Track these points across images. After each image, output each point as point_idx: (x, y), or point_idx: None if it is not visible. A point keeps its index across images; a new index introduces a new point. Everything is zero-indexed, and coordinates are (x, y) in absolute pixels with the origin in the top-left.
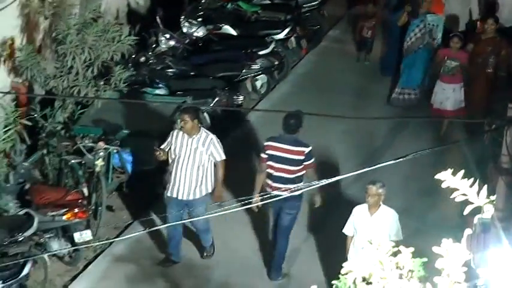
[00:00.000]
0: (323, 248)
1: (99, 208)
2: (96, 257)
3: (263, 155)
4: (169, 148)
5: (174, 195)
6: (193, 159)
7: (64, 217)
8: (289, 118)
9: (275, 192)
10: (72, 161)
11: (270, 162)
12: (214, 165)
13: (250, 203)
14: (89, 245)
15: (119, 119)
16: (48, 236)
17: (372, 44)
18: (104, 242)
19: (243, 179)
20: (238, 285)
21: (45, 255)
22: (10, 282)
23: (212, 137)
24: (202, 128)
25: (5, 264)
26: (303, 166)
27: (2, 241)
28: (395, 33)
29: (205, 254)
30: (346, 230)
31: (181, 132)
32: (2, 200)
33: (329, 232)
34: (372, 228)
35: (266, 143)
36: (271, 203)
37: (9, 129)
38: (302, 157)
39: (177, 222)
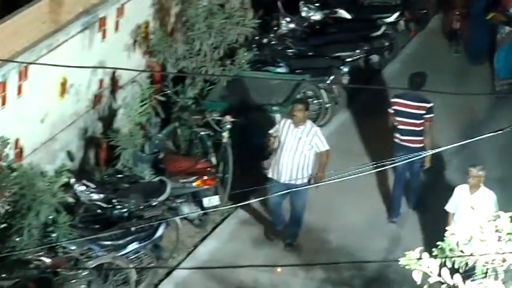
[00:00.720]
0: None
1: (226, 176)
2: (223, 220)
3: (390, 110)
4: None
5: (275, 178)
6: (296, 147)
7: (194, 184)
8: (414, 77)
9: (403, 144)
10: (202, 133)
11: (396, 117)
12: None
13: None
14: (216, 209)
15: (243, 95)
16: (180, 201)
17: (462, 35)
18: (230, 206)
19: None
20: (352, 247)
21: (177, 219)
22: (145, 242)
23: (316, 129)
24: (308, 120)
25: (141, 226)
26: (424, 120)
27: (138, 205)
28: (485, 25)
29: (286, 246)
30: (448, 207)
31: (288, 121)
32: (138, 168)
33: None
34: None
35: (392, 100)
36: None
37: (145, 104)
38: (424, 111)
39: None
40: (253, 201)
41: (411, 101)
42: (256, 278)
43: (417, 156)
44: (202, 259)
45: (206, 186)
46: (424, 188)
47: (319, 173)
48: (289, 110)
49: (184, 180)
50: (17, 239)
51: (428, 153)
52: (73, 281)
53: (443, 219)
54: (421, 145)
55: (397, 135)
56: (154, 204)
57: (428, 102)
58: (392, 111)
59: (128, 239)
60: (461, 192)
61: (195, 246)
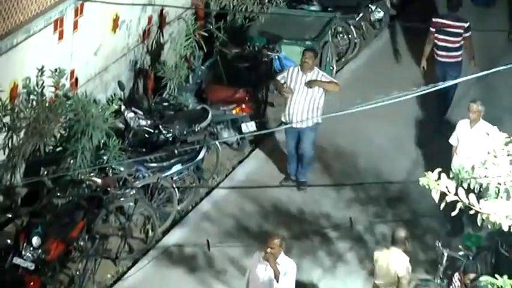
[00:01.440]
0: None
1: (264, 104)
2: (259, 144)
3: (431, 29)
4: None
5: (288, 121)
6: (306, 93)
7: (233, 111)
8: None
9: (441, 60)
10: (241, 65)
11: (436, 35)
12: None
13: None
14: (253, 134)
15: (280, 31)
16: (220, 127)
17: None
18: (265, 132)
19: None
20: (377, 169)
21: (217, 143)
22: (188, 164)
23: (323, 73)
24: (315, 67)
25: (184, 149)
26: (462, 38)
27: (182, 131)
28: None
29: (301, 187)
30: (451, 140)
31: (296, 69)
32: (182, 97)
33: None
34: (471, 139)
35: (434, 20)
36: (436, 68)
37: (189, 39)
38: (462, 30)
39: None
40: (284, 127)
41: (451, 20)
42: (289, 198)
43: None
44: (239, 180)
45: (244, 114)
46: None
47: (324, 84)
48: (301, 58)
49: (224, 108)
50: (71, 161)
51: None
52: (121, 199)
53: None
54: (458, 59)
55: (438, 52)
56: (196, 129)
57: (466, 22)
58: (433, 30)
59: (172, 161)
60: (462, 126)
61: (233, 168)
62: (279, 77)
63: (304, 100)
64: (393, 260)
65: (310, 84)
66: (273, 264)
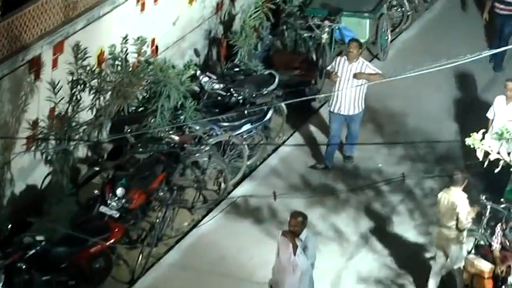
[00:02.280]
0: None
1: (324, 70)
2: (321, 106)
3: None
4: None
5: (336, 111)
6: (352, 82)
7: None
8: None
9: (499, 12)
10: (305, 35)
11: None
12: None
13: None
14: (316, 97)
15: (340, 4)
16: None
17: None
18: (327, 95)
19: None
20: (426, 129)
21: (283, 105)
22: (257, 124)
23: (367, 63)
24: (360, 57)
25: (253, 110)
26: None
27: (251, 94)
28: None
29: (346, 161)
30: (489, 114)
31: (343, 59)
32: (252, 63)
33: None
34: (506, 114)
35: None
36: (495, 20)
37: (258, 10)
38: None
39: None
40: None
41: None
42: None
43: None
44: (303, 138)
45: (307, 79)
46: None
47: (369, 76)
48: (346, 47)
49: (290, 73)
50: (152, 120)
51: None
52: (197, 155)
53: None
54: None
55: (496, 4)
56: (264, 93)
57: None
58: None
59: (243, 121)
60: (499, 101)
61: (298, 128)
62: (328, 67)
63: (350, 89)
64: (453, 197)
65: (356, 76)
66: (291, 239)
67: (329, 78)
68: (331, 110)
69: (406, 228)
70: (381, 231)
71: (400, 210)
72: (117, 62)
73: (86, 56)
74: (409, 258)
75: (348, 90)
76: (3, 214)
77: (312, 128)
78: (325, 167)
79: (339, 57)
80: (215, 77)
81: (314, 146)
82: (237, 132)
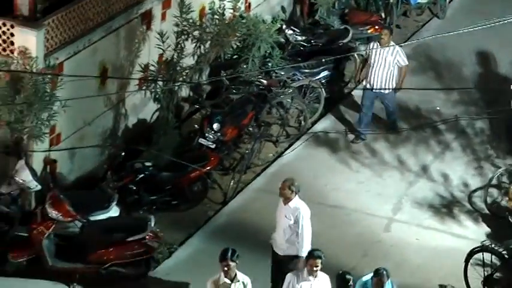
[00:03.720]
0: None
1: (391, 25)
2: None
3: None
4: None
5: (369, 87)
6: (384, 64)
7: (368, 31)
8: None
9: None
10: None
11: None
12: (400, 69)
13: None
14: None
15: None
16: (358, 42)
17: None
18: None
19: None
20: (478, 78)
21: (356, 54)
22: (333, 71)
23: (399, 49)
24: (391, 41)
25: (330, 59)
26: None
27: (329, 45)
28: None
29: (389, 128)
30: None
31: (376, 44)
32: (330, 19)
33: None
34: None
35: None
36: None
37: None
38: None
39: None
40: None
41: None
42: (409, 98)
43: None
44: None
45: (376, 33)
46: None
47: (400, 82)
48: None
49: (362, 28)
50: (244, 66)
51: None
52: (281, 96)
53: None
54: None
55: None
56: (340, 44)
57: None
58: None
59: (321, 68)
60: None
61: (367, 75)
62: (364, 53)
63: (382, 69)
64: None
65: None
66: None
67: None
68: (365, 87)
69: (459, 163)
70: (437, 164)
71: (453, 146)
72: (215, 16)
73: (189, 10)
74: (459, 188)
75: (379, 71)
76: (118, 143)
77: None
78: (362, 139)
79: (372, 43)
80: (298, 31)
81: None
82: (316, 78)
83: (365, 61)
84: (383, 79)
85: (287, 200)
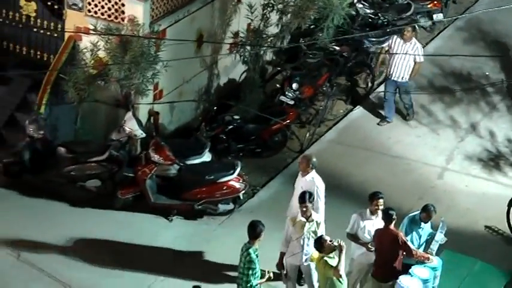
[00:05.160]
0: None
1: (448, 2)
2: (444, 29)
3: None
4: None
5: (391, 78)
6: (404, 57)
7: (428, 5)
8: None
9: None
10: None
11: None
12: (415, 63)
13: None
14: (441, 20)
15: None
16: (419, 16)
17: None
18: (453, 18)
19: None
20: None
21: (416, 25)
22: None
23: (418, 45)
24: (413, 37)
25: (394, 29)
26: None
27: (394, 17)
28: None
29: (407, 118)
30: None
31: (399, 39)
32: None
33: None
34: None
35: None
36: None
37: None
38: None
39: None
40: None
41: None
42: (461, 65)
43: None
44: (429, 52)
45: (435, 7)
46: None
47: (413, 75)
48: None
49: (422, 3)
50: (320, 34)
51: None
52: (353, 61)
53: None
54: None
55: None
56: (403, 17)
57: None
58: None
59: (386, 37)
60: None
61: (427, 43)
62: (384, 44)
63: (402, 62)
64: None
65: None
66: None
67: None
68: (387, 77)
69: (504, 121)
70: (485, 122)
71: (499, 107)
72: None
73: None
74: (504, 143)
75: (399, 63)
76: (211, 99)
77: (438, 44)
78: (388, 122)
79: (395, 37)
80: (367, 4)
81: None
82: (382, 45)
83: (386, 51)
84: (402, 70)
85: (305, 173)
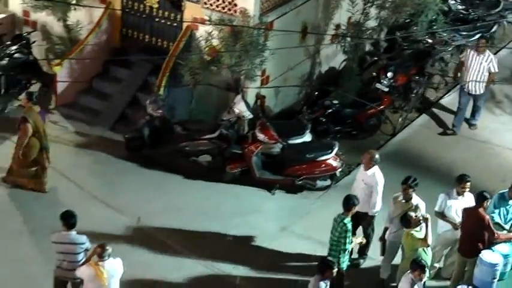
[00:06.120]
0: None
1: None
2: None
3: None
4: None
5: (465, 90)
6: (478, 69)
7: None
8: None
9: None
10: None
11: None
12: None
13: None
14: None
15: None
16: (507, 12)
17: None
18: None
19: None
20: None
21: (505, 22)
22: (486, 34)
23: (492, 56)
24: (487, 49)
25: (482, 24)
26: None
27: (483, 13)
28: None
29: (471, 128)
30: None
31: (472, 51)
32: None
33: None
34: None
35: None
36: None
37: None
38: None
39: None
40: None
41: None
42: None
43: None
44: None
45: None
46: None
47: (487, 85)
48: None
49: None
50: (414, 28)
51: None
52: (442, 52)
53: None
54: None
55: None
56: (493, 12)
57: None
58: None
59: (475, 31)
60: None
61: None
62: (461, 55)
63: (477, 73)
64: None
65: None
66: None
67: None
68: (462, 88)
69: None
70: None
71: None
72: None
73: None
74: None
75: (474, 74)
76: (313, 85)
77: None
78: (453, 133)
79: (469, 50)
80: (459, 1)
81: None
82: (471, 39)
83: (461, 63)
84: (476, 83)
85: (367, 167)
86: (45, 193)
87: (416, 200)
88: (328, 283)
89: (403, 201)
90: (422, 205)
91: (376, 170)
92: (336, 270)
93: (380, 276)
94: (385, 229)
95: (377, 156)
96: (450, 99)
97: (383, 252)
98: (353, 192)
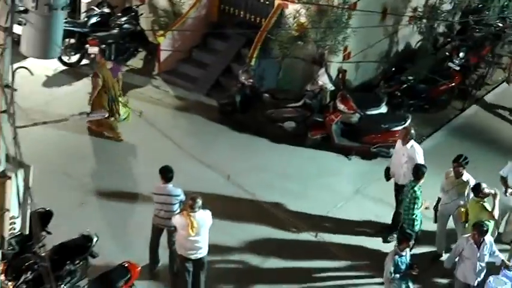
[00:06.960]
0: None
1: None
2: None
3: None
4: None
5: None
6: None
7: None
8: None
9: None
10: None
11: None
12: None
13: None
14: None
15: None
16: None
17: None
18: None
19: None
20: None
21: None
22: None
23: None
24: None
25: None
26: None
27: None
28: None
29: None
30: None
31: None
32: None
33: None
34: None
35: None
36: None
37: None
38: None
39: None
40: None
41: None
42: None
43: None
44: None
45: None
46: None
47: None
48: None
49: None
50: (486, 12)
51: None
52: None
53: None
54: None
55: None
56: None
57: None
58: None
59: None
60: None
61: None
62: None
63: None
64: None
65: None
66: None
67: None
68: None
69: None
70: None
71: None
72: None
73: None
74: None
75: None
76: (390, 62)
77: None
78: None
79: None
80: None
81: None
82: None
83: None
84: None
85: (405, 142)
86: (133, 145)
87: (466, 176)
88: (404, 256)
89: (453, 177)
90: (472, 182)
91: (413, 142)
92: (412, 242)
93: (437, 251)
94: (439, 199)
95: (412, 131)
96: None
97: (435, 220)
98: (392, 167)
